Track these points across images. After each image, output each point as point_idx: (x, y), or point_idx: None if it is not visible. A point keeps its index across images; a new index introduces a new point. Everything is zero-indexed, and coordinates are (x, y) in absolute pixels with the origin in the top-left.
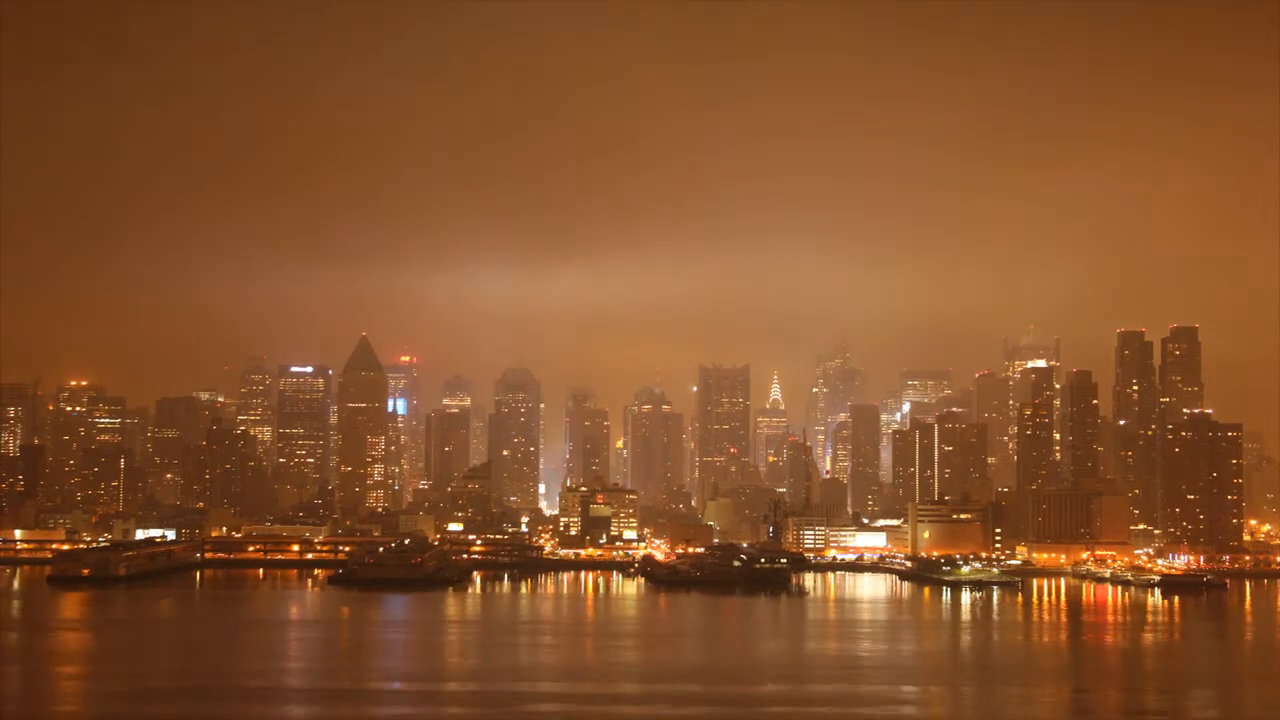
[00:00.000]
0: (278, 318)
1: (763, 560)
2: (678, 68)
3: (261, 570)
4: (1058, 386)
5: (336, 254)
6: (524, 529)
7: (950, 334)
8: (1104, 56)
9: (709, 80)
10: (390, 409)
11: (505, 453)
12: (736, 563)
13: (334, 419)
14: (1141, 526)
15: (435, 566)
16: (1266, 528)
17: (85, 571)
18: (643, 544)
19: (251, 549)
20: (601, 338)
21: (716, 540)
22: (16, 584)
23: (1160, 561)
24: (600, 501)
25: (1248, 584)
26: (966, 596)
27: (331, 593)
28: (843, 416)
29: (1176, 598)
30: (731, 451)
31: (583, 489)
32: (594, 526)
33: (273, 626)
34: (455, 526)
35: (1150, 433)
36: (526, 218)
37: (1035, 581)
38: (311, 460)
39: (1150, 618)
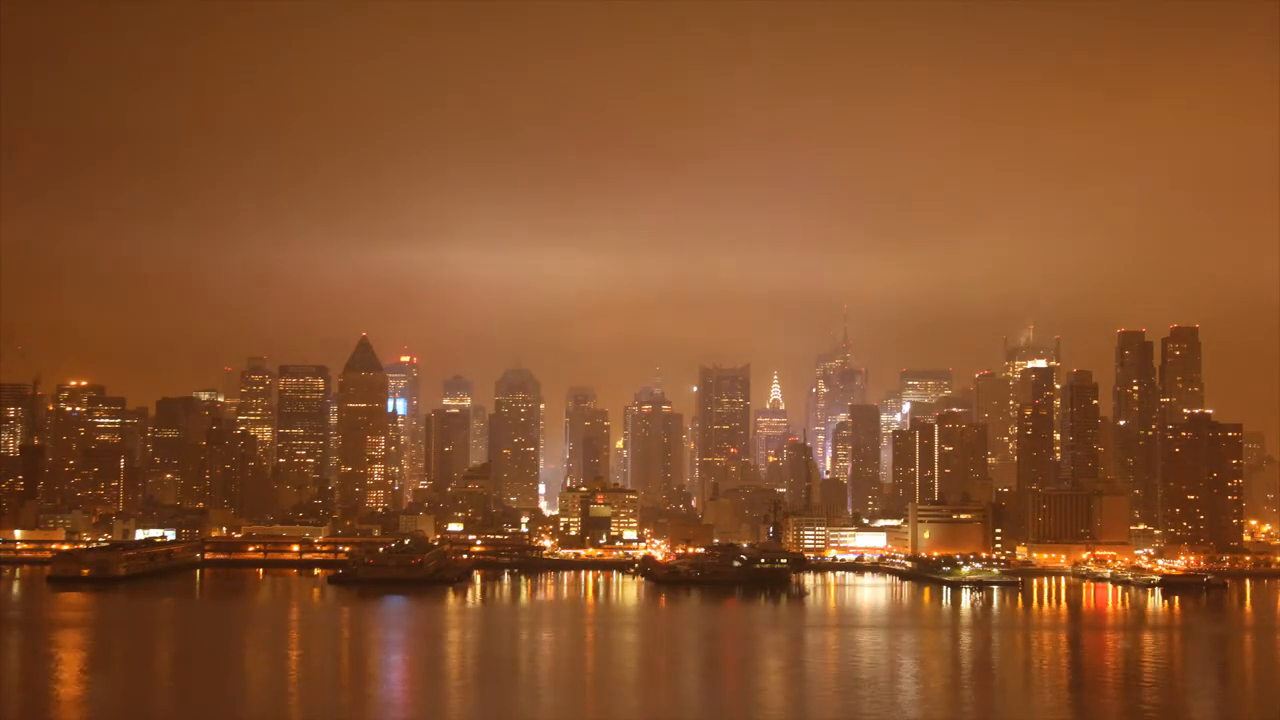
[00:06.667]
0: (278, 318)
1: (763, 560)
2: (678, 65)
3: (261, 570)
4: (1058, 386)
5: (337, 254)
6: (524, 529)
7: (950, 334)
8: (1104, 58)
9: (711, 75)
10: (390, 409)
11: (505, 453)
12: (736, 563)
13: (334, 419)
14: (1142, 527)
15: (435, 566)
16: (1266, 528)
17: (85, 571)
18: (643, 544)
19: (251, 549)
20: (602, 332)
21: (716, 540)
22: (16, 584)
23: (1160, 562)
24: (600, 501)
25: (1248, 584)
26: (966, 596)
27: (331, 593)
28: (843, 416)
29: (1176, 598)
30: (731, 451)
31: (583, 489)
32: (594, 526)
33: (273, 627)
34: (455, 526)
35: (1150, 433)
36: (528, 217)
37: (1035, 581)
38: (311, 460)
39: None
